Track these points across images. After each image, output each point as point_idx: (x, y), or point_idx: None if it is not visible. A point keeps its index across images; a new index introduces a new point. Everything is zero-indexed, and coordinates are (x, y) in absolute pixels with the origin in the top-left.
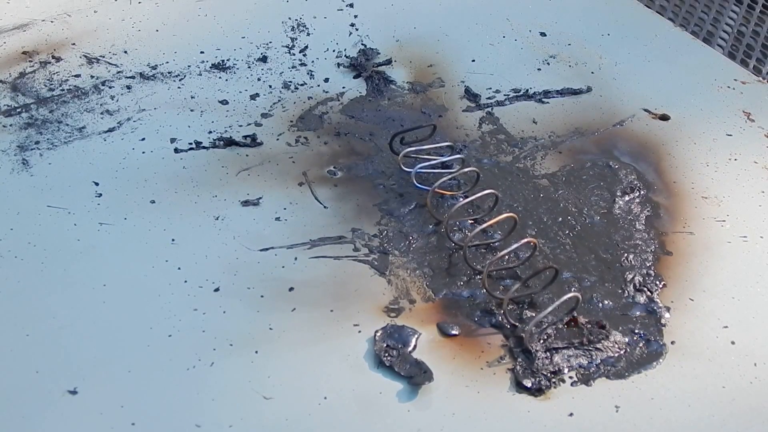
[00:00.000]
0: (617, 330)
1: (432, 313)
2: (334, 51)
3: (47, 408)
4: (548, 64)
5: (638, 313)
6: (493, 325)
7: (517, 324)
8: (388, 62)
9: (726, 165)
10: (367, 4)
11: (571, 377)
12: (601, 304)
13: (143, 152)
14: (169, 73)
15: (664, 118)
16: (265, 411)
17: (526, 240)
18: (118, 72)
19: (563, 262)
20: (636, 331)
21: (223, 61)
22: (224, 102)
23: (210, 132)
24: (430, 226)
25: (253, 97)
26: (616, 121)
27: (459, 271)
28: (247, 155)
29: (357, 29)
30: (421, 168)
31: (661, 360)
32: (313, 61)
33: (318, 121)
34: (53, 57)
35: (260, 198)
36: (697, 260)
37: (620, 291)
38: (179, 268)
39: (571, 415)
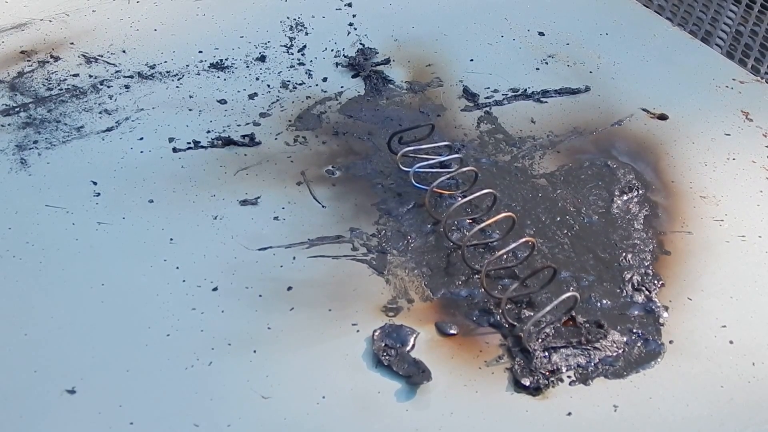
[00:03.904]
0: (615, 329)
1: (430, 313)
2: (332, 50)
3: (45, 407)
4: (546, 63)
5: (636, 312)
6: (491, 324)
7: (515, 323)
8: (387, 62)
9: (724, 164)
10: (366, 4)
11: (569, 376)
12: (599, 304)
13: (141, 152)
14: (167, 72)
15: (663, 117)
16: (263, 410)
17: (524, 239)
18: (117, 71)
19: (561, 262)
20: (634, 330)
21: (221, 60)
22: (223, 101)
23: (208, 131)
24: (429, 226)
25: (252, 96)
26: (614, 120)
27: (457, 270)
28: (245, 155)
29: (355, 29)
30: (419, 167)
31: (659, 359)
32: (311, 61)
33: (316, 121)
34: (51, 56)
35: (258, 197)
36: (695, 260)
37: (618, 290)
38: (177, 268)
39: (569, 414)
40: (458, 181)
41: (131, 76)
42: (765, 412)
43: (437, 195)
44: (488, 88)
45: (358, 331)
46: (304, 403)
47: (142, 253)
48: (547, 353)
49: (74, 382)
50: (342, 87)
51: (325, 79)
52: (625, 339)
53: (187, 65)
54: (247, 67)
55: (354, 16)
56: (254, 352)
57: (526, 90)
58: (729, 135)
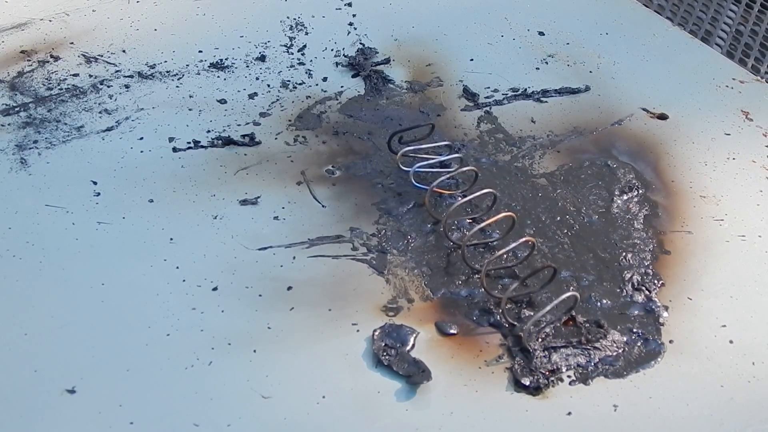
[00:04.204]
0: (615, 329)
1: (430, 312)
2: (332, 50)
3: (46, 407)
4: (546, 63)
5: (636, 312)
6: (491, 324)
7: (515, 323)
8: (387, 61)
9: (724, 164)
10: (366, 4)
11: (569, 376)
12: (599, 304)
13: (141, 151)
14: (167, 72)
15: (663, 117)
16: (263, 410)
17: (524, 239)
18: (117, 71)
19: (561, 262)
20: (634, 330)
21: (221, 60)
22: (223, 101)
23: (208, 131)
24: (429, 225)
25: (252, 96)
26: (614, 120)
27: (457, 270)
28: (245, 154)
29: (355, 28)
30: (419, 167)
31: (659, 359)
32: (311, 60)
33: (316, 121)
34: (51, 56)
35: (258, 197)
36: (695, 259)
37: (618, 290)
38: (177, 267)
39: (569, 414)
40: (458, 181)
41: (131, 76)
42: (765, 411)
43: (437, 195)
44: (488, 87)
45: (358, 330)
46: (304, 403)
47: (142, 252)
48: (547, 353)
49: (74, 381)
50: (342, 87)
51: (325, 79)
52: (625, 339)
53: (187, 65)
54: (247, 66)
55: (354, 15)
56: (254, 351)
57: (526, 90)
58: (729, 135)
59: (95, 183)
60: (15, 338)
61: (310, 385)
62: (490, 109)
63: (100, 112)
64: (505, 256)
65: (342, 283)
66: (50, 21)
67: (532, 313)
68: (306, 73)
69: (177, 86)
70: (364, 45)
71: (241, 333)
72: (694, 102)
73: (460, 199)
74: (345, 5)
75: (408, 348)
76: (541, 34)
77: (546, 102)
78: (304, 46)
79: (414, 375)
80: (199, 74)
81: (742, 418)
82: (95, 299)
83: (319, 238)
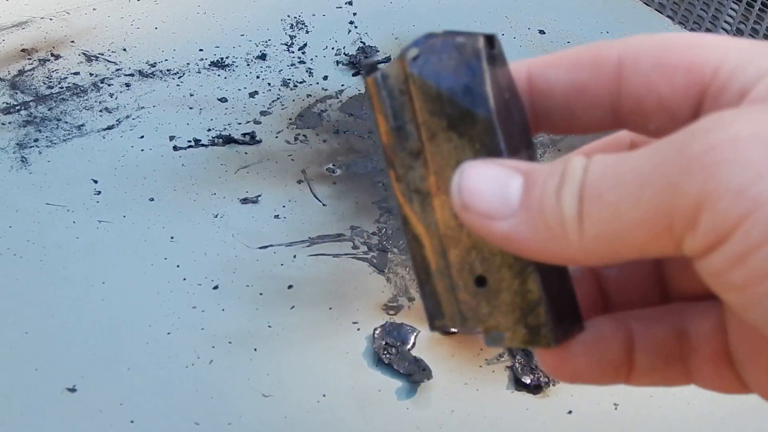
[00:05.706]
0: None
1: None
2: (333, 49)
3: (46, 406)
4: None
5: None
6: None
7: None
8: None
9: None
10: (366, 2)
11: None
12: None
13: (142, 150)
14: (168, 70)
15: None
16: (264, 409)
17: None
18: (117, 70)
19: None
20: None
21: (222, 58)
22: (223, 100)
23: (209, 130)
24: None
25: (252, 94)
26: None
27: None
28: (246, 153)
29: (356, 27)
30: None
31: None
32: (312, 59)
33: (317, 119)
34: (52, 55)
35: (259, 196)
36: None
37: None
38: (178, 266)
39: (569, 412)
40: None
41: (132, 75)
42: (766, 411)
43: None
44: None
45: (358, 329)
46: (304, 401)
47: (143, 251)
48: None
49: (75, 380)
50: (343, 85)
51: (325, 78)
52: None
53: (188, 63)
54: (248, 65)
55: (354, 14)
56: (255, 350)
57: None
58: None
59: (96, 181)
60: (15, 337)
61: (311, 384)
62: None
63: (100, 111)
64: None
65: (342, 281)
66: (51, 19)
67: None
68: (307, 71)
69: (178, 85)
70: (364, 43)
71: (242, 331)
72: None
73: None
74: (346, 4)
75: (408, 346)
76: (542, 32)
77: None
78: (305, 44)
79: (414, 373)
80: (199, 73)
81: (743, 417)
82: (96, 298)
83: (319, 236)
